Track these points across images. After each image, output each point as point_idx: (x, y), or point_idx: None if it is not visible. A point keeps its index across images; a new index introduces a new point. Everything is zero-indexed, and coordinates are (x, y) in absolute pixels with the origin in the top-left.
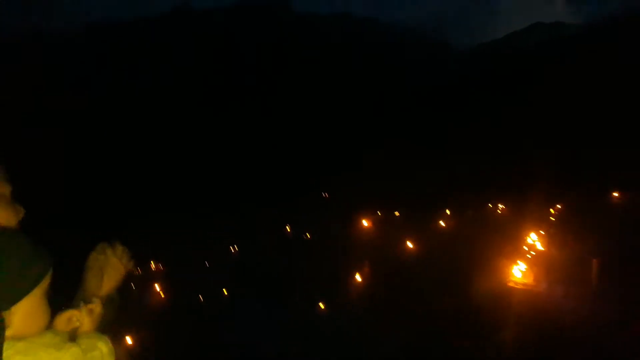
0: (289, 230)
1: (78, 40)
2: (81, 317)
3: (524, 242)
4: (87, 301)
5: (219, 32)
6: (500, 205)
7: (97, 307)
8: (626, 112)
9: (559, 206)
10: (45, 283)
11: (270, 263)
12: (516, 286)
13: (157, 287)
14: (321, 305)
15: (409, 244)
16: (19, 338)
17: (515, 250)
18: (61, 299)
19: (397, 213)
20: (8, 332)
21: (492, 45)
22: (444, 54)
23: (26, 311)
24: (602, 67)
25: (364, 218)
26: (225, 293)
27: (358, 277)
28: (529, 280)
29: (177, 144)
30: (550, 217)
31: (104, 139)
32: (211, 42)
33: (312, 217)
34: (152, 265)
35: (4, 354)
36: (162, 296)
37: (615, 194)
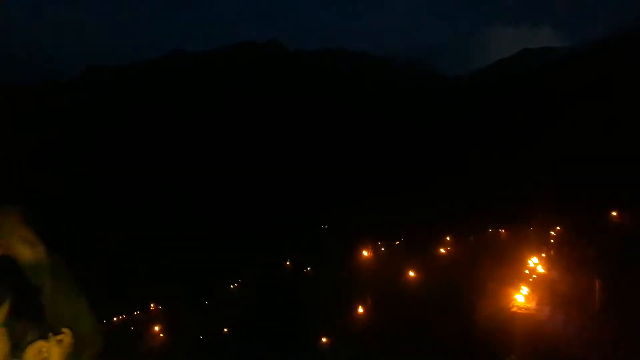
0: (289, 264)
1: (78, 85)
2: (50, 348)
3: (525, 265)
4: (55, 332)
5: (213, 74)
6: (501, 230)
7: (66, 337)
8: (617, 131)
9: (558, 228)
10: (1, 314)
11: (271, 298)
12: (519, 311)
13: (156, 327)
14: (324, 339)
15: (412, 273)
16: None
17: (517, 275)
18: (25, 330)
19: (397, 242)
20: None
21: (485, 71)
22: (439, 83)
23: None
24: (589, 88)
25: (364, 248)
26: (225, 330)
27: (360, 309)
28: (532, 304)
29: (174, 182)
30: (551, 240)
31: (100, 177)
32: (206, 83)
33: (313, 250)
34: (151, 306)
35: None
36: (162, 336)
37: (614, 214)
